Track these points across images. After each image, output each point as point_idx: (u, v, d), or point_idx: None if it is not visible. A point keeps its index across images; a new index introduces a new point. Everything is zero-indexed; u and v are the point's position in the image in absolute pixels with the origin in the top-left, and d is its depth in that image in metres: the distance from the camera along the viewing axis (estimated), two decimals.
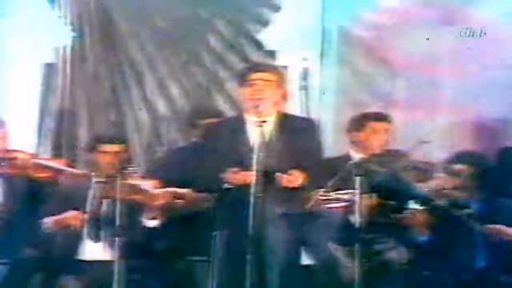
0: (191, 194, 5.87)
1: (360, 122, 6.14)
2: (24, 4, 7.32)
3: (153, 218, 5.63)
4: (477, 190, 6.01)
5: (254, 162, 5.12)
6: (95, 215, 5.70)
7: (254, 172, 5.13)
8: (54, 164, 6.03)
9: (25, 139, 6.86)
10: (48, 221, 5.61)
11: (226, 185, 5.27)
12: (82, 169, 6.24)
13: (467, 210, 5.79)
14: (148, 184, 5.65)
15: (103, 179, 5.69)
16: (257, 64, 6.20)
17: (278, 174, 5.20)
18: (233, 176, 5.23)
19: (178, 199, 5.80)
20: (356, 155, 5.95)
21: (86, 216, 5.66)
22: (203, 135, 6.33)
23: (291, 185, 5.22)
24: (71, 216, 5.61)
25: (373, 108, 6.68)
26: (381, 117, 6.16)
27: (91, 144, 5.98)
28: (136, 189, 5.58)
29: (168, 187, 5.76)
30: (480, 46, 7.16)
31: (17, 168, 5.90)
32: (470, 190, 5.98)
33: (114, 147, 5.83)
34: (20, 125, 6.78)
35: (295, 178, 5.23)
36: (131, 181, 5.56)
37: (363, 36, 7.44)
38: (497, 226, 5.72)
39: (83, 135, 7.29)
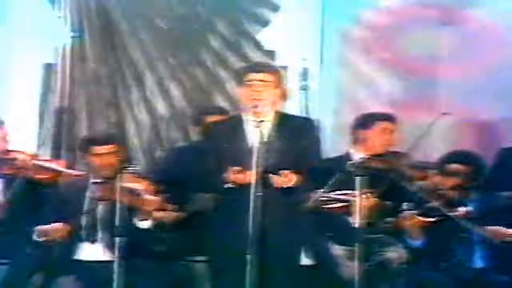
0: (171, 214, 5.98)
1: (369, 120, 6.12)
2: (24, 4, 7.32)
3: (144, 219, 5.60)
4: (473, 189, 6.01)
5: (253, 162, 5.09)
6: (92, 216, 5.69)
7: (255, 171, 5.11)
8: (53, 165, 6.04)
9: (25, 140, 6.87)
10: (38, 229, 5.59)
11: (228, 185, 5.22)
12: (81, 170, 6.23)
13: (463, 210, 5.77)
14: (140, 187, 5.61)
15: (99, 180, 5.67)
16: (254, 65, 6.10)
17: (270, 175, 5.17)
18: (235, 176, 5.19)
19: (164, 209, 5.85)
20: (357, 155, 5.94)
21: (72, 226, 5.64)
22: (203, 134, 6.37)
23: (284, 185, 5.19)
24: (55, 228, 5.59)
25: (376, 108, 6.69)
26: (389, 118, 6.16)
27: (84, 145, 5.94)
28: (129, 192, 5.54)
29: (166, 187, 5.77)
30: (479, 46, 7.22)
31: (17, 169, 5.91)
32: (466, 189, 5.97)
33: (108, 148, 5.78)
34: (20, 126, 6.79)
35: (287, 179, 5.19)
36: (124, 183, 5.51)
37: (362, 36, 7.47)
38: (496, 227, 5.70)
39: (83, 135, 7.19)
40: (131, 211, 5.54)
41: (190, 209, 6.13)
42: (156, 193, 5.62)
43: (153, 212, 5.60)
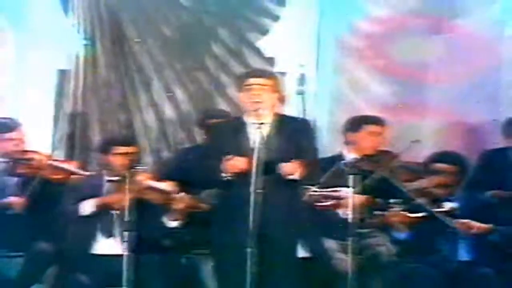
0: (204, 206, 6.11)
1: (357, 123, 6.28)
2: (39, 13, 7.40)
3: (175, 220, 5.76)
4: (457, 188, 6.16)
5: (254, 160, 5.25)
6: (107, 212, 5.80)
7: (246, 159, 5.28)
8: (67, 165, 6.25)
9: (41, 141, 6.98)
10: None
11: (224, 175, 5.36)
12: (94, 170, 6.43)
13: (447, 207, 5.93)
14: (166, 185, 5.79)
15: (114, 178, 5.77)
16: (254, 70, 6.33)
17: (280, 164, 5.32)
18: (230, 164, 5.33)
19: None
20: (349, 156, 6.12)
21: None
22: (207, 136, 6.57)
23: (290, 174, 5.34)
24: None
25: (369, 112, 6.87)
26: (376, 121, 6.32)
27: (105, 146, 6.03)
28: (154, 190, 5.72)
29: (180, 187, 5.89)
30: (465, 54, 7.34)
31: (33, 168, 6.12)
32: (450, 187, 6.11)
33: (128, 149, 5.92)
34: (36, 128, 6.93)
35: (294, 168, 5.34)
36: (149, 182, 5.71)
37: (356, 44, 7.57)
38: (466, 220, 5.82)
39: (95, 137, 7.38)
40: (153, 207, 5.70)
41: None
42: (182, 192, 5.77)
43: (182, 210, 5.74)
